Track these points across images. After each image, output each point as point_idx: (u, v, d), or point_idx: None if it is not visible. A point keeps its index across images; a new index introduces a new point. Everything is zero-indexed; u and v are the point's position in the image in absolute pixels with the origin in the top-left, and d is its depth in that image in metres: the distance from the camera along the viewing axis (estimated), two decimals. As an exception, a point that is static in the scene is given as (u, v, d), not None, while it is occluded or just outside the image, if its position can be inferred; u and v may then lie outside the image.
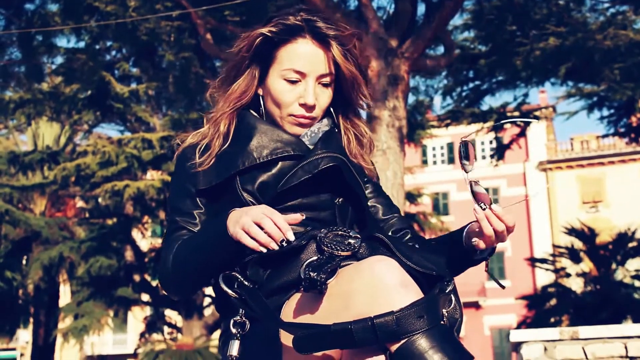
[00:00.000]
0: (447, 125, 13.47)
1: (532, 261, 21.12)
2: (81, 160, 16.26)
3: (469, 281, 30.36)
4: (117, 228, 17.80)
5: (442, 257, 1.53)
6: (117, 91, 14.54)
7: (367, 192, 1.72)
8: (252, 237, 1.40)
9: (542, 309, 17.07)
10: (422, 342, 1.23)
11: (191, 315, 17.28)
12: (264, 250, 1.40)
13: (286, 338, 1.35)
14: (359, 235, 1.44)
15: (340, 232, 1.44)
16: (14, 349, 28.84)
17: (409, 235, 1.70)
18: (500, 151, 14.34)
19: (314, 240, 1.43)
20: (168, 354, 16.23)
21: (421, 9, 9.42)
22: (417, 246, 1.63)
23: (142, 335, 19.22)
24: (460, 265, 1.58)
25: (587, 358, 3.89)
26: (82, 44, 13.20)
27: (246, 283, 1.42)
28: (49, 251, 18.01)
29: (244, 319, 1.44)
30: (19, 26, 12.07)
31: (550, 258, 19.26)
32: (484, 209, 1.48)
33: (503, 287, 1.67)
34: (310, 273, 1.31)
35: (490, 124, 13.02)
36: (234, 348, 1.44)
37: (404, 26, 8.49)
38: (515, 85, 12.46)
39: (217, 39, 9.98)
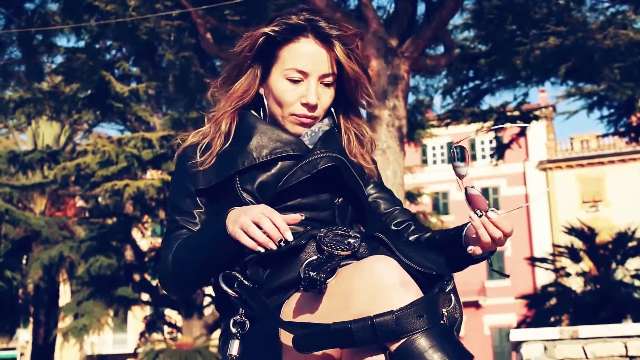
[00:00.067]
0: (447, 125, 13.48)
1: (532, 260, 21.12)
2: (81, 160, 16.26)
3: (469, 280, 30.36)
4: (117, 227, 17.79)
5: (443, 256, 1.52)
6: (117, 90, 14.54)
7: (368, 188, 1.71)
8: (250, 237, 1.40)
9: (542, 308, 17.08)
10: (422, 342, 1.23)
11: (191, 314, 17.28)
12: (262, 250, 1.40)
13: (286, 337, 1.35)
14: (358, 235, 1.44)
15: (340, 232, 1.44)
16: (13, 349, 28.89)
17: (412, 227, 1.69)
18: (500, 150, 14.35)
19: (314, 240, 1.43)
20: (168, 353, 16.23)
21: (421, 8, 9.43)
22: (421, 239, 1.64)
23: (142, 334, 19.23)
24: (461, 264, 1.58)
25: (587, 357, 3.89)
26: (82, 44, 13.21)
27: (246, 282, 1.42)
28: (48, 251, 18.01)
29: (243, 318, 1.44)
30: (19, 25, 12.08)
31: (550, 257, 19.26)
32: (480, 216, 1.45)
33: (507, 275, 1.66)
34: (310, 272, 1.31)
35: (490, 123, 13.02)
36: (234, 347, 1.44)
37: (403, 26, 8.49)
38: (515, 85, 12.47)
39: (217, 39, 9.98)
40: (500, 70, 11.91)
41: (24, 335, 31.25)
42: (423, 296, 1.28)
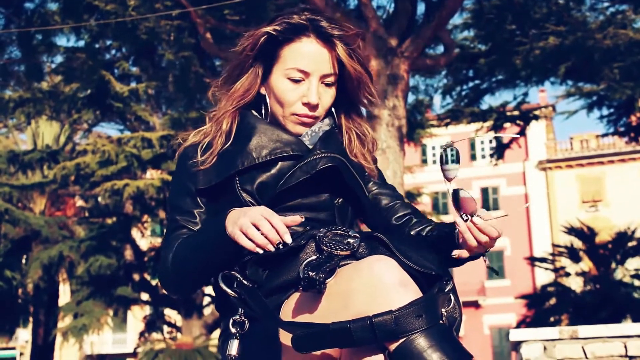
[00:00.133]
0: (446, 125, 13.47)
1: (532, 260, 21.12)
2: (81, 159, 16.25)
3: (469, 280, 30.35)
4: (117, 227, 17.79)
5: (441, 254, 1.52)
6: (116, 90, 14.54)
7: (369, 184, 1.71)
8: (249, 239, 1.40)
9: (542, 308, 17.08)
10: (421, 341, 1.23)
11: (191, 314, 17.28)
12: (261, 252, 1.40)
13: (285, 337, 1.35)
14: (358, 235, 1.44)
15: (339, 232, 1.44)
16: (13, 348, 28.87)
17: (413, 221, 1.69)
18: (499, 150, 14.35)
19: (313, 240, 1.43)
20: (167, 353, 16.23)
21: (421, 8, 9.44)
22: (422, 233, 1.63)
23: (141, 334, 19.24)
24: (457, 260, 1.57)
25: (586, 357, 3.89)
26: (81, 43, 13.21)
27: (245, 282, 1.42)
28: (48, 250, 18.01)
29: (243, 318, 1.44)
30: (19, 25, 12.08)
31: (550, 257, 19.26)
32: (465, 220, 1.45)
33: (497, 272, 1.65)
34: (309, 272, 1.31)
35: (490, 123, 13.03)
36: (234, 347, 1.44)
37: (403, 25, 8.50)
38: (514, 85, 12.47)
39: (216, 38, 9.98)
40: (500, 70, 11.91)
41: (24, 335, 31.25)
42: (422, 296, 1.28)
